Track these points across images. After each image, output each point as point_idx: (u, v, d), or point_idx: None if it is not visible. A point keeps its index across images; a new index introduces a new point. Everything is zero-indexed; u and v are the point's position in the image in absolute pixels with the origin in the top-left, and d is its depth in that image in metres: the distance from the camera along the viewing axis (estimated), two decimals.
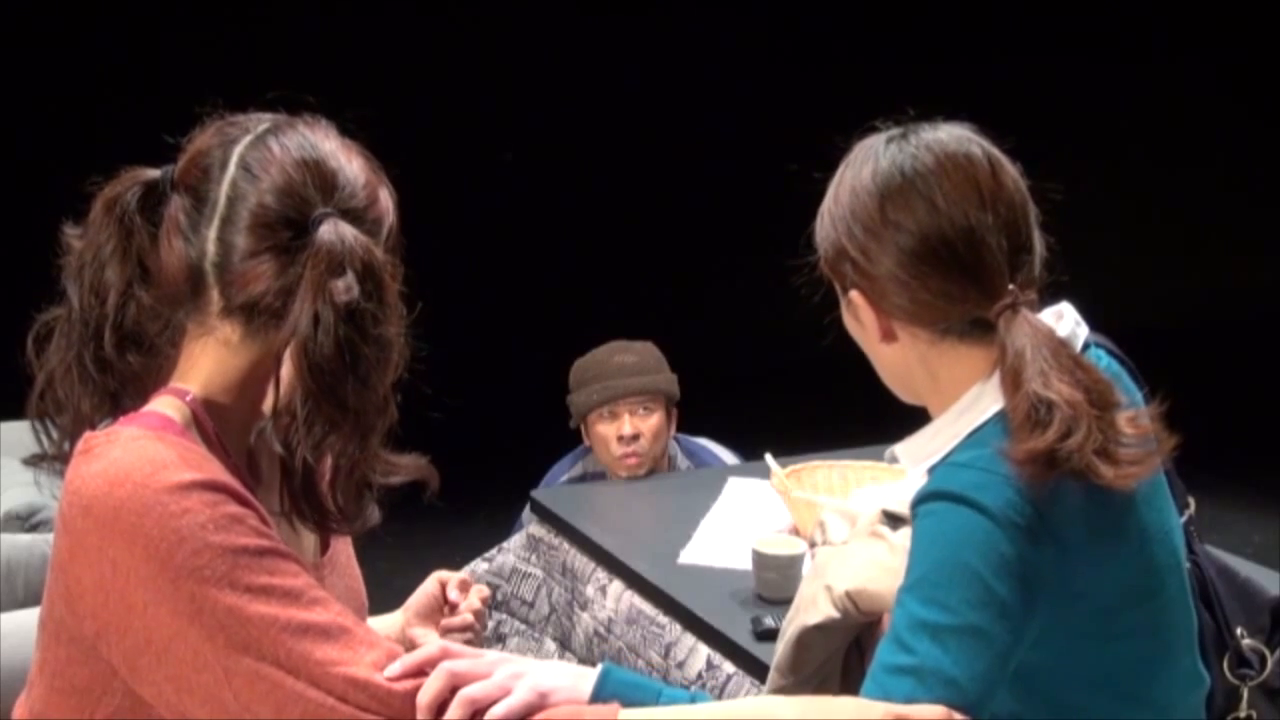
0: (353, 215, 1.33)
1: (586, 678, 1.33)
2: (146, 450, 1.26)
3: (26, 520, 3.25)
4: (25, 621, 2.95)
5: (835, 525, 2.08)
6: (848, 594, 1.86)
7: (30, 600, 3.07)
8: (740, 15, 7.27)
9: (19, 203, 5.69)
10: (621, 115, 6.98)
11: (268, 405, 1.35)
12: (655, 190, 7.05)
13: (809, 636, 1.88)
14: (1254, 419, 6.52)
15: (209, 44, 5.96)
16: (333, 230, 1.30)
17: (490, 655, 1.33)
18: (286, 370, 1.30)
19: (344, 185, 1.35)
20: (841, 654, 1.93)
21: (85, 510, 1.25)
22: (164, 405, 1.33)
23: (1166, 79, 7.97)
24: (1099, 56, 7.87)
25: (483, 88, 6.75)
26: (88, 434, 1.32)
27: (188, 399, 1.34)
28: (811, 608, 1.90)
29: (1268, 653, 1.68)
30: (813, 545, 2.10)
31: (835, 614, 1.87)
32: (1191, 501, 1.70)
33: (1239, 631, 1.65)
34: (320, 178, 1.33)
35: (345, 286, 1.27)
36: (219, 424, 1.35)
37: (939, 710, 1.30)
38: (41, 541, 3.15)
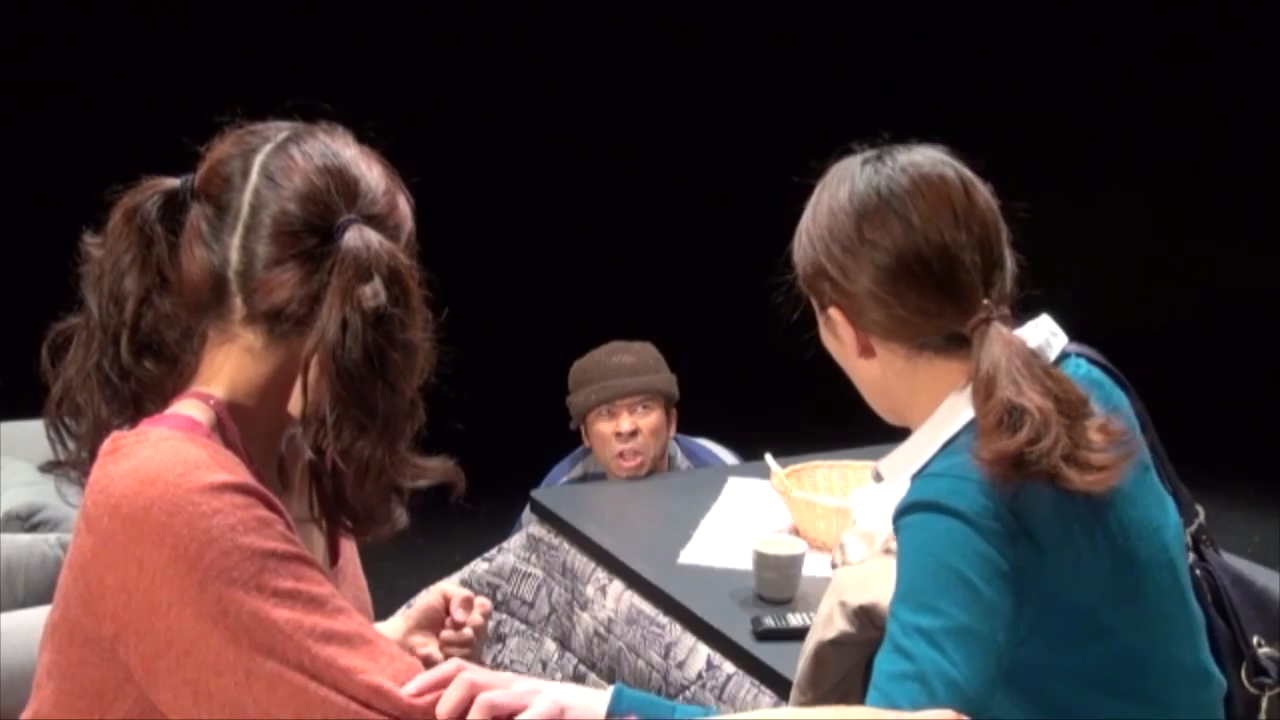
0: (375, 221, 1.34)
1: (600, 699, 1.34)
2: (178, 450, 1.27)
3: (26, 520, 3.25)
4: (25, 621, 2.94)
5: (854, 546, 2.10)
6: (862, 608, 1.87)
7: (30, 600, 3.06)
8: (740, 16, 7.27)
9: (28, 210, 5.71)
10: (621, 115, 6.98)
11: (295, 407, 1.35)
12: (655, 190, 7.05)
13: (825, 652, 1.90)
14: (1254, 419, 6.52)
15: (226, 52, 5.96)
16: (358, 236, 1.30)
17: (506, 675, 1.34)
18: (314, 375, 1.30)
19: (366, 192, 1.35)
20: (860, 669, 1.94)
21: (113, 509, 1.24)
22: (189, 408, 1.34)
23: (1165, 80, 7.97)
24: (1098, 59, 7.87)
25: (480, 87, 6.76)
26: (115, 434, 1.31)
27: (211, 403, 1.34)
28: (828, 624, 1.92)
29: None
30: (834, 566, 2.12)
31: (849, 629, 1.88)
32: (1200, 511, 1.71)
33: (1256, 640, 1.66)
34: (343, 184, 1.34)
35: (373, 292, 1.28)
36: (243, 428, 1.35)
37: (948, 714, 1.31)
38: (41, 541, 3.14)
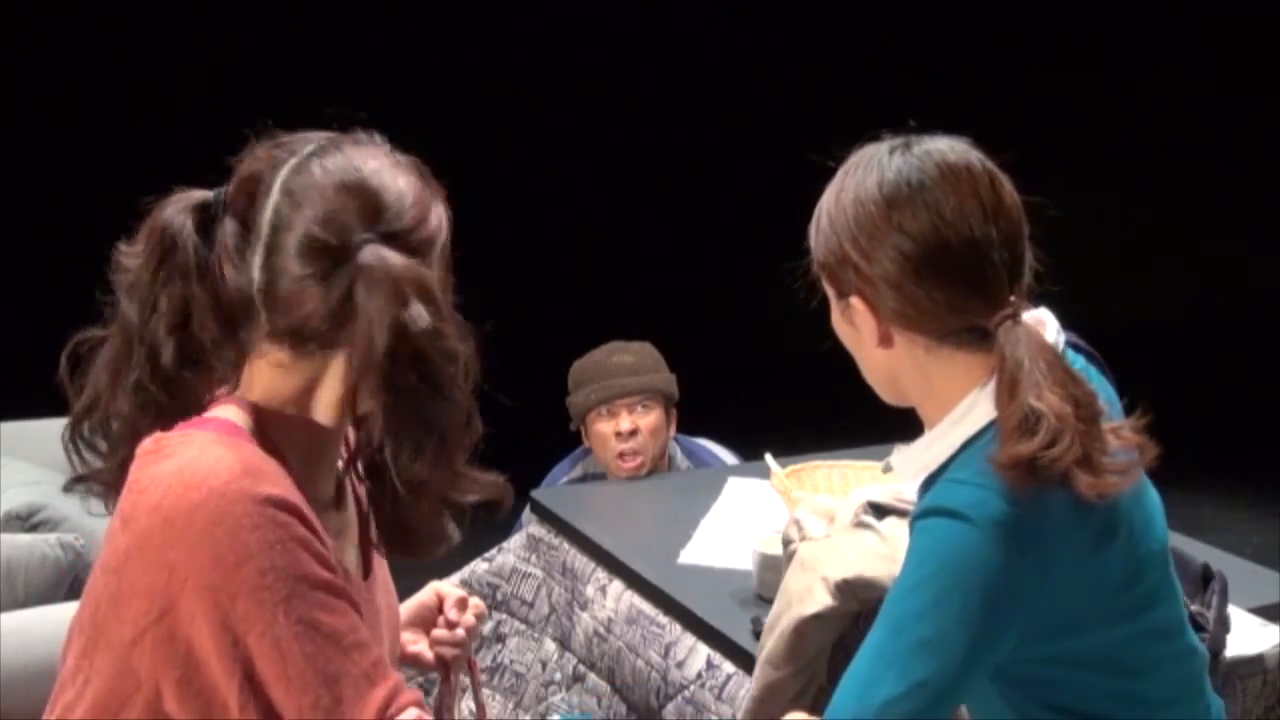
0: (399, 237, 1.33)
1: None
2: (224, 456, 1.26)
3: (26, 520, 3.25)
4: (25, 621, 2.94)
5: (812, 522, 2.10)
6: (845, 582, 1.88)
7: (30, 600, 3.06)
8: (742, 16, 7.27)
9: (32, 216, 5.72)
10: (620, 116, 6.98)
11: (325, 416, 1.35)
12: (655, 190, 7.05)
13: (807, 626, 1.91)
14: (1254, 419, 6.52)
15: (258, 61, 5.96)
16: (374, 256, 1.30)
17: None
18: (362, 398, 1.30)
19: (388, 207, 1.34)
20: (830, 645, 1.95)
21: (153, 508, 1.24)
22: (229, 413, 1.33)
23: (1163, 80, 7.97)
24: (1100, 60, 7.88)
25: (476, 87, 6.75)
26: (157, 434, 1.31)
27: (249, 409, 1.34)
28: (808, 598, 1.92)
29: (1208, 614, 1.80)
30: (788, 544, 2.11)
31: (833, 602, 1.89)
32: None
33: (1183, 600, 1.71)
34: (363, 202, 1.33)
35: (412, 314, 1.28)
36: (279, 437, 1.35)
37: None
38: (41, 541, 3.14)
